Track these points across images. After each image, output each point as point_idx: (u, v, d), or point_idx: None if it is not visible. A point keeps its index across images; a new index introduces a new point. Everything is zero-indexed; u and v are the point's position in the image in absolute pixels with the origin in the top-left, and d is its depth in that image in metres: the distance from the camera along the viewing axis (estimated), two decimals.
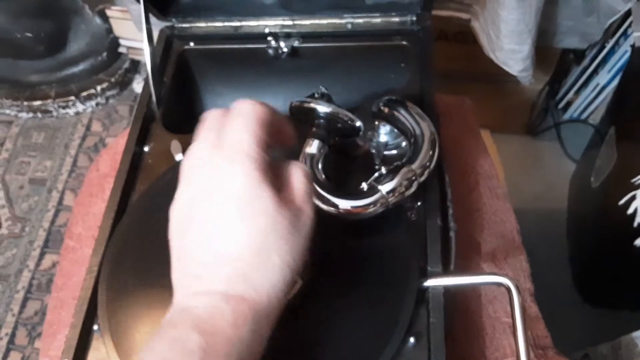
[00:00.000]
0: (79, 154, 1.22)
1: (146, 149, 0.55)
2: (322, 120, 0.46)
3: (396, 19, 0.59)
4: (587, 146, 1.16)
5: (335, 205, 0.45)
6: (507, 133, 1.22)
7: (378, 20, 0.59)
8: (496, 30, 0.76)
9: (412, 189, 0.46)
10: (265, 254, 0.29)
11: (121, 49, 1.24)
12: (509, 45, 0.76)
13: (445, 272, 0.46)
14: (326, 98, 0.46)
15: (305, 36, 0.60)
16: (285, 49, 0.59)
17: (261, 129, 0.31)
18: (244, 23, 0.61)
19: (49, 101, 1.25)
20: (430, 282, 0.44)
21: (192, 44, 0.62)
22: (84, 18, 1.20)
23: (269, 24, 0.60)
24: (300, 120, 0.47)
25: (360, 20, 0.60)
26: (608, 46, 1.05)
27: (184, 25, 0.62)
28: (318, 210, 0.45)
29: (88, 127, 1.25)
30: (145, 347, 0.28)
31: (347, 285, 0.46)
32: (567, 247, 1.11)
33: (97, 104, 1.27)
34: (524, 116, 1.23)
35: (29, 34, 1.15)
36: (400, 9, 0.59)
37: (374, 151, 0.52)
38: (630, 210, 0.71)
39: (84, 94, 1.25)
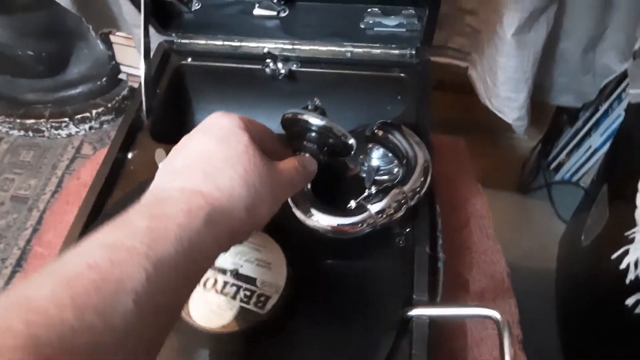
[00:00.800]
0: (65, 175, 1.19)
1: (130, 155, 0.54)
2: (314, 134, 0.44)
3: (395, 51, 0.59)
4: (577, 208, 1.16)
5: (321, 222, 0.43)
6: (498, 189, 1.21)
7: (378, 51, 0.60)
8: (493, 77, 0.76)
9: (401, 212, 0.44)
10: (231, 166, 0.32)
11: (122, 76, 1.25)
12: (505, 93, 0.76)
13: (432, 302, 0.43)
14: (320, 111, 0.45)
15: (304, 61, 0.60)
16: (282, 71, 0.59)
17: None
18: (244, 43, 0.61)
19: (42, 121, 1.24)
20: (415, 312, 0.42)
21: (189, 59, 0.62)
22: (87, 42, 1.21)
23: (269, 46, 0.60)
24: (292, 133, 0.46)
25: (360, 50, 0.60)
26: (602, 109, 1.06)
27: (184, 40, 0.62)
28: (304, 228, 0.43)
29: (78, 150, 1.24)
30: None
31: (329, 307, 0.44)
32: (555, 308, 1.08)
33: (90, 128, 1.26)
34: (515, 173, 1.23)
35: (30, 53, 1.16)
36: (400, 41, 0.59)
37: (364, 175, 0.51)
38: (622, 266, 0.69)
39: (79, 116, 1.24)
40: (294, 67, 0.60)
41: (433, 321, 0.41)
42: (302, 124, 0.44)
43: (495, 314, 0.39)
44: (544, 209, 1.24)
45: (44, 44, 1.17)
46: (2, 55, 1.16)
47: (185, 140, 0.35)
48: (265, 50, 0.58)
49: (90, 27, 1.01)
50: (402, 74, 0.59)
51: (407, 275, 0.44)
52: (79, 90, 1.24)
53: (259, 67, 0.60)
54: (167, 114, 0.59)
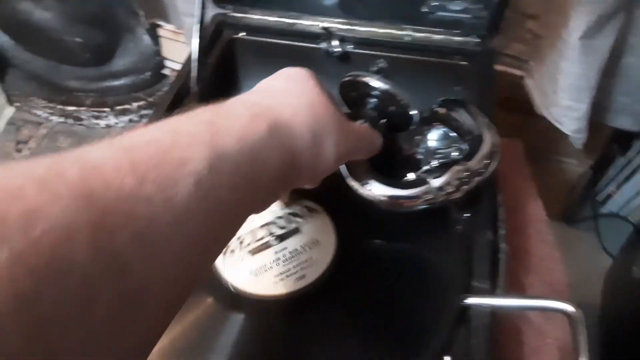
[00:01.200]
0: None
1: None
2: (374, 99, 0.41)
3: (458, 38, 0.56)
4: (626, 242, 1.09)
5: (375, 191, 0.39)
6: None
7: (439, 36, 0.57)
8: (554, 85, 0.72)
9: (460, 193, 0.40)
10: (297, 95, 0.31)
11: (165, 71, 1.25)
12: (566, 101, 0.72)
13: (493, 292, 0.39)
14: (383, 74, 0.42)
15: (360, 42, 0.57)
16: (338, 50, 0.56)
17: None
18: (299, 21, 0.59)
19: (83, 109, 1.25)
20: (474, 300, 0.37)
21: (242, 33, 0.60)
22: (134, 36, 1.22)
23: (325, 25, 0.58)
24: (350, 100, 0.43)
25: (420, 34, 0.57)
26: None
27: (238, 14, 0.60)
28: (358, 204, 0.40)
29: None
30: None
31: (377, 288, 0.40)
32: (598, 344, 1.01)
33: (130, 120, 1.26)
34: (561, 201, 1.17)
35: (78, 40, 1.17)
36: (464, 27, 0.56)
37: (420, 157, 0.47)
38: None
39: (119, 108, 1.24)
40: (349, 48, 0.57)
41: (494, 313, 0.37)
42: (362, 87, 0.41)
43: (570, 307, 0.35)
44: (590, 241, 1.17)
45: (93, 33, 1.18)
46: (50, 40, 1.17)
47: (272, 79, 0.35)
48: (322, 25, 0.56)
49: (141, 15, 1.01)
50: (463, 62, 0.56)
51: (465, 262, 0.40)
52: (122, 82, 1.25)
53: (313, 45, 0.58)
54: (215, 83, 0.57)
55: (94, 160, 0.20)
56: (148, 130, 0.23)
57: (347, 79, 0.41)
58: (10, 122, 1.30)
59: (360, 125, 0.38)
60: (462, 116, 0.45)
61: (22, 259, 0.15)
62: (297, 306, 0.39)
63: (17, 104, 1.31)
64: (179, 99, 0.54)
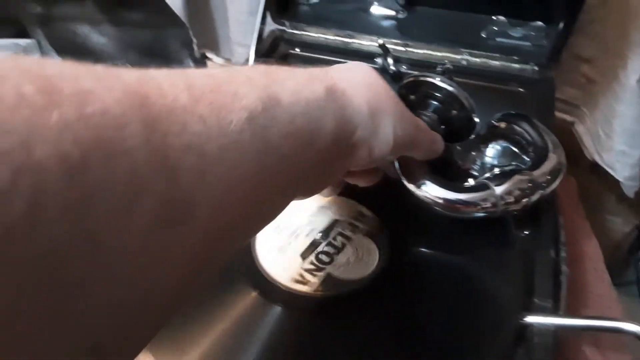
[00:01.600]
0: None
1: None
2: (436, 102, 0.40)
3: (516, 65, 0.56)
4: None
5: (432, 193, 0.37)
6: None
7: (497, 62, 0.56)
8: (608, 129, 0.70)
9: (520, 205, 0.38)
10: (356, 73, 0.30)
11: None
12: (620, 146, 0.69)
13: (556, 312, 0.36)
14: (448, 76, 0.41)
15: (415, 64, 0.57)
16: (392, 68, 0.56)
17: None
18: (355, 40, 0.59)
19: None
20: (534, 319, 0.34)
21: (297, 49, 0.60)
22: (184, 68, 1.25)
23: (381, 41, 0.58)
24: (411, 103, 0.42)
25: (477, 59, 0.56)
26: None
27: (295, 31, 0.61)
28: (412, 210, 0.38)
29: None
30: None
31: (431, 303, 0.37)
32: None
33: None
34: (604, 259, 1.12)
35: (130, 66, 1.20)
36: (523, 54, 0.55)
37: (476, 174, 0.45)
38: None
39: None
40: (403, 69, 0.57)
41: (557, 333, 0.34)
42: (425, 88, 0.40)
43: None
44: (633, 306, 1.10)
45: (144, 61, 1.22)
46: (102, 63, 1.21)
47: None
48: (380, 42, 0.56)
49: (194, 44, 1.04)
50: (521, 89, 0.55)
51: (524, 279, 0.37)
52: None
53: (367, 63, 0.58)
54: None
55: (151, 73, 0.19)
56: (205, 69, 0.23)
57: (410, 79, 0.40)
58: None
59: (421, 119, 0.36)
60: (526, 130, 0.43)
61: (71, 127, 0.14)
62: (337, 309, 0.36)
63: None
64: None
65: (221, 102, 0.20)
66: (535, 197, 0.38)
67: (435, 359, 0.34)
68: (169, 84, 0.19)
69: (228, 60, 1.09)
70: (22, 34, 1.26)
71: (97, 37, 1.17)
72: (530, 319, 0.34)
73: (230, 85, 0.21)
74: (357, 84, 0.29)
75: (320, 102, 0.25)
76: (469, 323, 0.36)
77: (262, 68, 0.25)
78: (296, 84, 0.25)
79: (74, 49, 1.23)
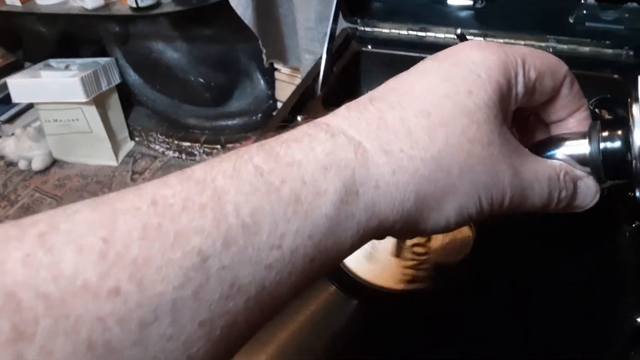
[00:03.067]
0: None
1: (299, 118, 0.51)
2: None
3: (609, 50, 0.51)
4: None
5: None
6: None
7: (587, 48, 0.52)
8: None
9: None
10: (436, 124, 0.23)
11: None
12: None
13: None
14: None
15: None
16: None
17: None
18: (430, 33, 0.57)
19: (197, 145, 1.30)
20: None
21: (369, 46, 0.59)
22: (252, 80, 1.28)
23: (459, 31, 0.55)
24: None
25: (565, 46, 0.52)
26: None
27: (367, 28, 0.60)
28: None
29: None
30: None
31: (542, 304, 0.33)
32: None
33: None
34: None
35: (201, 80, 1.24)
36: (617, 38, 0.51)
37: None
38: None
39: (230, 146, 1.29)
40: None
41: None
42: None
43: None
44: None
45: (215, 75, 1.26)
46: (176, 79, 1.25)
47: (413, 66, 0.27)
48: (458, 32, 0.53)
49: (263, 54, 1.06)
50: (615, 76, 0.50)
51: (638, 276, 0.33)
52: (235, 122, 1.30)
53: None
54: (338, 91, 0.56)
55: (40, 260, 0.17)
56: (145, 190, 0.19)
57: (609, 117, 0.33)
58: (129, 155, 1.39)
59: (552, 168, 0.26)
60: (621, 115, 0.39)
61: None
62: (421, 306, 0.34)
63: (138, 139, 1.40)
64: (304, 100, 0.53)
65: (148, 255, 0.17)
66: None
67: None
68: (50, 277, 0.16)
69: (296, 68, 1.10)
70: (102, 52, 1.34)
71: (170, 52, 1.21)
72: None
73: (176, 222, 0.18)
74: (416, 164, 0.22)
75: (332, 218, 0.20)
76: (575, 324, 0.32)
77: (246, 173, 0.20)
78: (292, 196, 0.20)
79: (149, 66, 1.28)
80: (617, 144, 0.26)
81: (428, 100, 0.23)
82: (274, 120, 0.49)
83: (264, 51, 1.01)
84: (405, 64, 0.58)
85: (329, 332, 0.33)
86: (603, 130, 0.26)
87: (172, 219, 0.18)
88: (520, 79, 0.25)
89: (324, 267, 0.21)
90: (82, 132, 1.40)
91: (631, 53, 0.50)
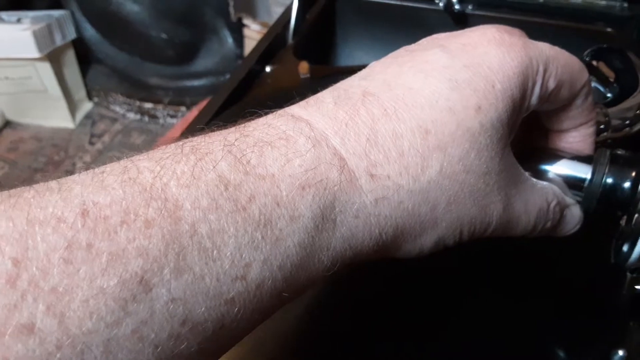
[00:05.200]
0: None
1: (268, 69, 0.46)
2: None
3: (602, 2, 0.48)
4: None
5: None
6: None
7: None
8: None
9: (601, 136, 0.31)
10: (433, 146, 0.19)
11: None
12: None
13: None
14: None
15: (483, 3, 0.50)
16: (457, 7, 0.49)
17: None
18: None
19: (160, 107, 1.24)
20: None
21: None
22: (219, 38, 1.21)
23: None
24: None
25: None
26: None
27: None
28: None
29: None
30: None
31: (535, 270, 0.30)
32: None
33: None
34: None
35: (164, 36, 1.17)
36: None
37: None
38: None
39: (195, 108, 1.23)
40: (469, 9, 0.50)
41: None
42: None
43: None
44: None
45: (179, 31, 1.18)
46: (137, 34, 1.18)
47: (416, 49, 0.23)
48: None
49: (230, 7, 0.99)
50: (608, 29, 0.47)
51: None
52: (201, 82, 1.23)
53: (425, 6, 0.51)
54: (311, 40, 0.51)
55: None
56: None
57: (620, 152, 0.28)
58: (88, 116, 1.31)
59: (543, 196, 0.24)
60: (617, 67, 0.36)
61: None
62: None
63: (96, 99, 1.33)
64: (273, 50, 0.48)
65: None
66: (618, 134, 0.32)
67: (544, 330, 0.28)
68: None
69: (266, 24, 1.04)
70: (56, 4, 1.24)
71: (130, 5, 1.13)
72: None
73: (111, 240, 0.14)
74: (409, 180, 0.19)
75: (306, 248, 0.17)
76: (578, 292, 0.29)
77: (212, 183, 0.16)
78: (261, 218, 0.16)
79: (107, 19, 1.20)
80: (626, 184, 0.24)
81: (429, 114, 0.19)
82: (238, 71, 0.44)
83: (231, 4, 0.95)
84: (386, 13, 0.54)
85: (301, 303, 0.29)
86: (613, 163, 0.24)
87: (106, 237, 0.14)
88: (537, 90, 0.22)
89: (290, 300, 0.18)
90: (36, 91, 1.31)
91: (625, 5, 0.47)
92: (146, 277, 0.14)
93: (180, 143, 0.17)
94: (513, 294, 0.29)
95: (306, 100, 0.21)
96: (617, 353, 0.25)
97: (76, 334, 0.13)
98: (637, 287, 0.28)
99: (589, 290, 0.29)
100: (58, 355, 0.12)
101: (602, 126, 0.32)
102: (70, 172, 0.17)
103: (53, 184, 0.15)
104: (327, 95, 0.21)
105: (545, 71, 0.22)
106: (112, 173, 0.15)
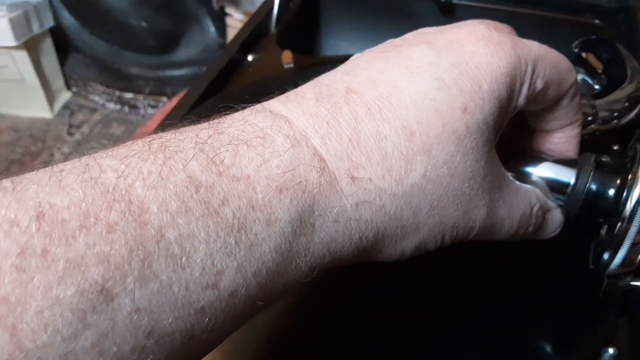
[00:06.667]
0: None
1: (250, 58, 0.44)
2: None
3: None
4: None
5: None
6: None
7: None
8: None
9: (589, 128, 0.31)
10: (418, 148, 0.18)
11: None
12: None
13: None
14: None
15: None
16: None
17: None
18: None
19: (141, 97, 1.21)
20: None
21: None
22: (201, 27, 1.19)
23: None
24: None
25: None
26: None
27: None
28: None
29: None
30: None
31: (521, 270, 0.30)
32: None
33: None
34: None
35: (144, 25, 1.14)
36: None
37: None
38: None
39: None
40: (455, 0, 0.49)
41: None
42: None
43: None
44: None
45: (160, 19, 1.16)
46: (116, 23, 1.15)
47: (401, 44, 0.22)
48: None
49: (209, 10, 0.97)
50: (596, 21, 0.47)
51: None
52: (183, 72, 1.21)
53: None
54: (295, 28, 0.50)
55: None
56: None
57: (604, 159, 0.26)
58: (66, 106, 1.28)
59: (526, 198, 0.23)
60: (605, 59, 0.36)
61: None
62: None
63: (75, 89, 1.29)
64: (255, 38, 0.46)
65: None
66: (605, 127, 0.31)
67: (533, 330, 0.27)
68: None
69: (248, 12, 1.02)
70: None
71: None
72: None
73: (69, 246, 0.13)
74: (399, 179, 0.18)
75: (282, 254, 0.16)
76: (566, 290, 0.29)
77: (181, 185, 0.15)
78: (234, 222, 0.15)
79: (85, 7, 1.17)
80: (609, 191, 0.23)
81: (414, 114, 0.18)
82: (219, 60, 0.42)
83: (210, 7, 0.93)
84: (372, 1, 0.53)
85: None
86: (597, 169, 0.24)
87: (63, 242, 0.13)
88: (525, 90, 0.21)
89: (264, 307, 0.17)
90: (13, 80, 1.27)
91: None
92: (107, 286, 0.13)
93: (148, 139, 0.16)
94: (502, 293, 0.28)
95: (286, 94, 0.20)
96: (607, 351, 0.25)
97: (30, 348, 0.12)
98: (633, 283, 0.28)
99: (579, 289, 0.28)
100: None
101: (589, 118, 0.31)
102: (48, 163, 0.15)
103: (7, 183, 0.14)
104: (308, 91, 0.20)
105: (533, 71, 0.21)
106: (72, 172, 0.14)
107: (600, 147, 0.31)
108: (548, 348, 0.25)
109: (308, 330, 0.27)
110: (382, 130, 0.18)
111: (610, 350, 0.25)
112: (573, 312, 0.27)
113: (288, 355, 0.26)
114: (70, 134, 1.21)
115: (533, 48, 0.21)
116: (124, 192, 0.14)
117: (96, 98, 1.26)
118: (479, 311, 0.27)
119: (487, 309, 0.27)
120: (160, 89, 1.22)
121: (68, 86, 1.30)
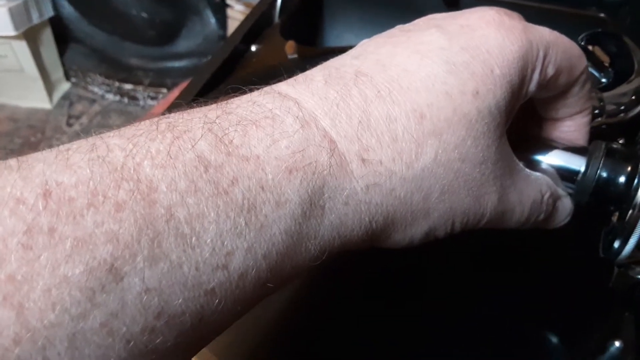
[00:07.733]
0: None
1: (253, 48, 0.44)
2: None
3: None
4: None
5: None
6: None
7: None
8: None
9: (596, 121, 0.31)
10: (428, 128, 0.18)
11: None
12: None
13: None
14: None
15: None
16: None
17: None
18: None
19: (140, 88, 1.21)
20: None
21: None
22: (201, 18, 1.18)
23: None
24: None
25: None
26: None
27: None
28: None
29: None
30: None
31: (527, 262, 0.30)
32: None
33: None
34: None
35: (145, 15, 1.13)
36: None
37: None
38: None
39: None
40: None
41: None
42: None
43: None
44: None
45: (160, 10, 1.15)
46: (116, 13, 1.14)
47: (411, 29, 0.21)
48: None
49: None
50: (601, 14, 0.47)
51: None
52: (183, 63, 1.20)
53: None
54: (299, 19, 0.49)
55: None
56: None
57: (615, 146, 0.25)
58: (65, 97, 1.28)
59: (537, 185, 0.23)
60: (612, 52, 0.36)
61: None
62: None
63: (74, 80, 1.29)
64: (259, 29, 0.46)
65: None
66: (612, 120, 0.31)
67: (539, 323, 0.27)
68: None
69: (249, 4, 1.02)
70: None
71: None
72: None
73: (77, 224, 0.12)
74: (408, 161, 0.18)
75: (292, 236, 0.16)
76: (571, 283, 0.29)
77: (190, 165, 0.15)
78: (244, 202, 0.15)
79: None
80: (620, 178, 0.23)
81: (425, 97, 0.18)
82: (222, 50, 0.42)
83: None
84: None
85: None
86: (608, 157, 0.24)
87: (71, 220, 0.12)
88: (536, 76, 0.21)
89: (274, 290, 0.17)
90: (12, 70, 1.27)
91: None
92: (116, 265, 0.12)
93: (156, 120, 0.16)
94: (510, 284, 0.28)
95: (294, 77, 0.20)
96: (613, 344, 0.25)
97: (37, 327, 0.11)
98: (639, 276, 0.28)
99: (586, 281, 0.28)
100: (16, 352, 0.11)
101: (596, 111, 0.31)
102: None
103: (12, 161, 0.13)
104: (317, 74, 0.19)
105: (545, 57, 0.21)
106: (79, 151, 0.14)
107: (606, 141, 0.31)
108: (555, 340, 0.25)
109: (308, 322, 0.27)
110: (393, 113, 0.18)
111: (617, 344, 0.25)
112: (580, 305, 0.27)
113: (289, 351, 0.26)
114: (69, 124, 1.21)
115: (544, 33, 0.21)
116: (132, 171, 0.14)
117: (95, 89, 1.26)
118: (485, 302, 0.27)
119: (494, 300, 0.27)
120: (160, 80, 1.21)
121: (67, 77, 1.29)
